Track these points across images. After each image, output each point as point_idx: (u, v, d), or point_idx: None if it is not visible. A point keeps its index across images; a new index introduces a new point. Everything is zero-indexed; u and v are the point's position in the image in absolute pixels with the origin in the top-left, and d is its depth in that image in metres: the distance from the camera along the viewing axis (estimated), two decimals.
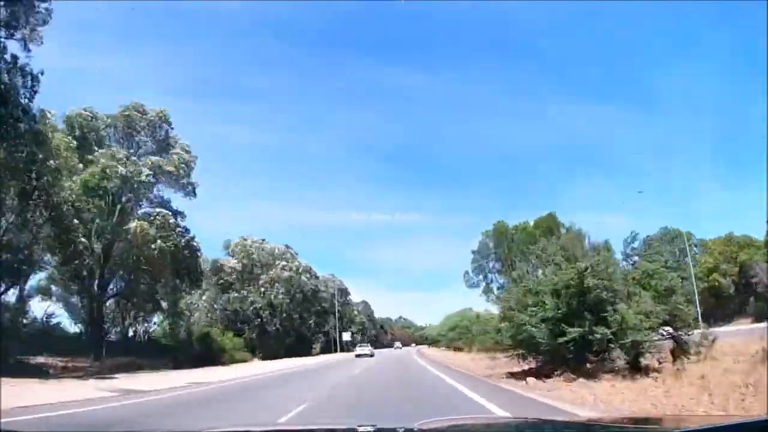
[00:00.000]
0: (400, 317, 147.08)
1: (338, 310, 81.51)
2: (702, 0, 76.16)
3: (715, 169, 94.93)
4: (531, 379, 14.92)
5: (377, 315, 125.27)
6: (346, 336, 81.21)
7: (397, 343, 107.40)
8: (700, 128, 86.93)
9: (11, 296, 28.85)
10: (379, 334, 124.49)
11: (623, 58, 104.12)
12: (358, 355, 48.55)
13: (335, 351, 76.48)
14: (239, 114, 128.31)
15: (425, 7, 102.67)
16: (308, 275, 69.13)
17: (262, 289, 59.24)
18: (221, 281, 56.53)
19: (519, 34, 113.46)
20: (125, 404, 13.32)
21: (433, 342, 75.47)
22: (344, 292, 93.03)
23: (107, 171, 30.68)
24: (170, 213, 36.21)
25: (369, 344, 65.71)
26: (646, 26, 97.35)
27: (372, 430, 2.70)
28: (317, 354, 68.36)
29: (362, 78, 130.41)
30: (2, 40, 20.96)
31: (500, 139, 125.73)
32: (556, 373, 15.06)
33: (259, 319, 57.73)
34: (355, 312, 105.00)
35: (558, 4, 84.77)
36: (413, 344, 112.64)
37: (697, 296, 36.64)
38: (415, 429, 2.81)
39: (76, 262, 28.30)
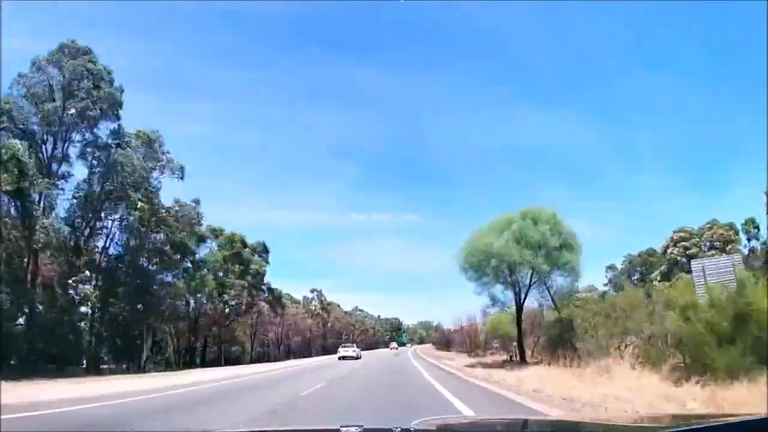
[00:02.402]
0: (356, 308, 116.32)
1: None
2: (666, 0, 76.92)
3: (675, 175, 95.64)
4: None
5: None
6: None
7: (393, 344, 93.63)
8: (664, 135, 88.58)
9: None
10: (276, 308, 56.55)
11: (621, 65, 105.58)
12: (341, 357, 44.18)
13: None
14: (213, 112, 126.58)
15: (426, 7, 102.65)
16: None
17: None
18: None
19: (511, 42, 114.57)
20: None
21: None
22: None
23: None
24: None
25: (354, 344, 56.87)
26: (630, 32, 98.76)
27: (359, 430, 2.56)
28: None
29: (347, 78, 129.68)
30: None
31: (488, 141, 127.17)
32: None
33: None
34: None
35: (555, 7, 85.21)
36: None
37: None
38: (412, 429, 2.72)
39: None
